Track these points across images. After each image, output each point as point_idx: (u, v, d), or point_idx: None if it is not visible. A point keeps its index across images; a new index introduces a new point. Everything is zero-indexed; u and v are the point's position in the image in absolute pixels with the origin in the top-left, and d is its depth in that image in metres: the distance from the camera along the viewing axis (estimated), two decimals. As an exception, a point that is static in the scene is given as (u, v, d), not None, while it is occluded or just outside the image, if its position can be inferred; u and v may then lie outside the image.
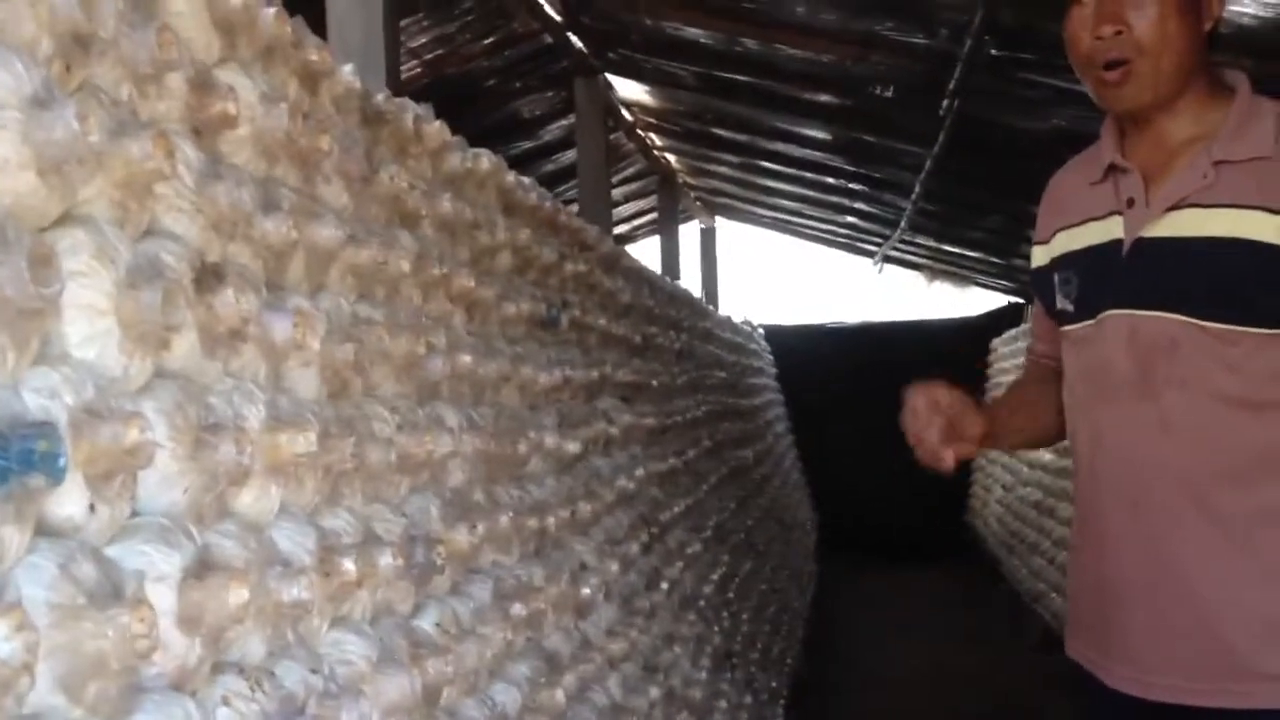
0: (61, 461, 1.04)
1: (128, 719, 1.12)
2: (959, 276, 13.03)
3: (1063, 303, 2.09)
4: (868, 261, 13.62)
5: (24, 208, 1.12)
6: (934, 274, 13.10)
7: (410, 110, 2.23)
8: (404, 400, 1.96)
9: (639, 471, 3.77)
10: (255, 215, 1.50)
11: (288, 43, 1.70)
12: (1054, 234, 2.13)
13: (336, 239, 1.71)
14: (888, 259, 13.04)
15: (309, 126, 1.68)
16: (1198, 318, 1.89)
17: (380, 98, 2.08)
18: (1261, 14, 4.01)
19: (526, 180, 2.99)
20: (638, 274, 4.76)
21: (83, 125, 1.12)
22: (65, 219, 1.18)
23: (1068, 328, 2.10)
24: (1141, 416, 1.95)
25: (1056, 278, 2.11)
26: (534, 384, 2.74)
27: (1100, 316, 2.00)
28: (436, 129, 2.33)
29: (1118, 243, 1.99)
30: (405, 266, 2.01)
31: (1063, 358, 2.14)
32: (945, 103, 6.33)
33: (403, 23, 5.48)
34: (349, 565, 1.54)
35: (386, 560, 1.65)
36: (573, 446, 2.98)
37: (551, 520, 2.63)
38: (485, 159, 2.61)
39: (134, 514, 1.22)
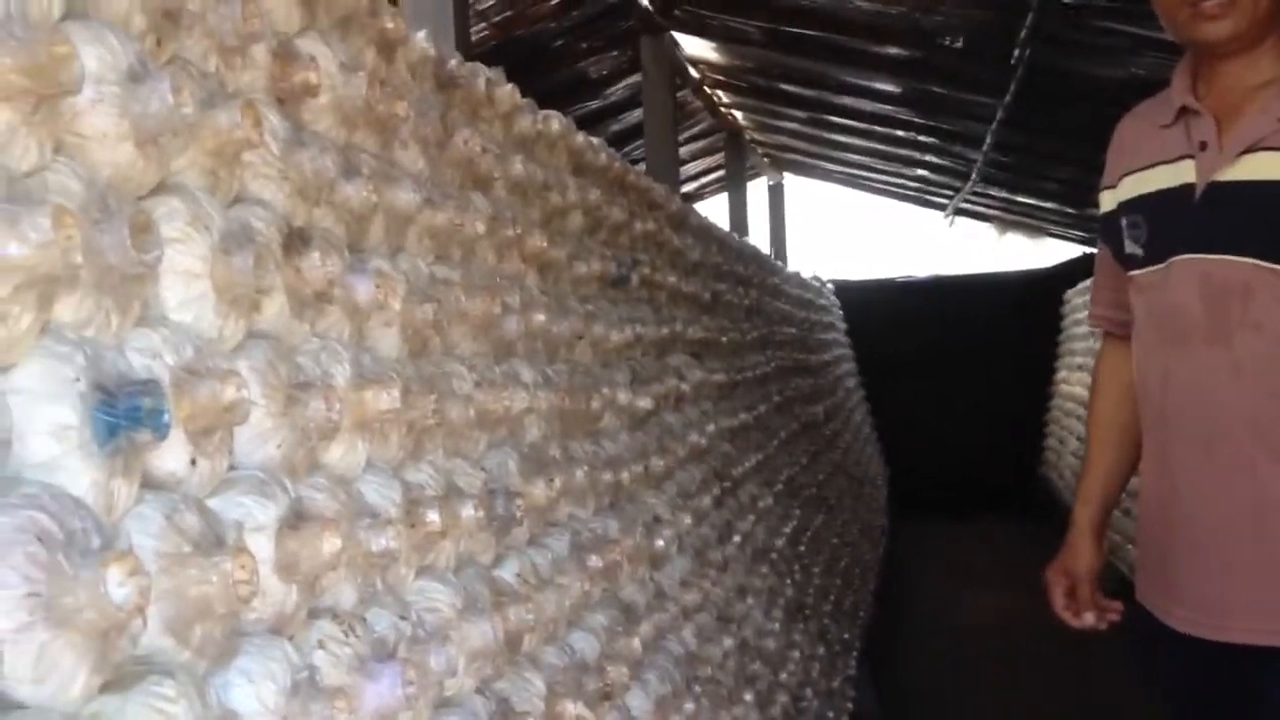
0: (165, 418, 1.08)
1: (231, 660, 1.17)
2: (1031, 228, 12.87)
3: (1131, 247, 2.08)
4: (938, 215, 13.49)
5: (123, 178, 1.16)
6: (1006, 225, 12.94)
7: (482, 75, 2.26)
8: (481, 358, 2.00)
9: (710, 427, 3.81)
10: (337, 181, 1.54)
11: (364, 12, 1.74)
12: (1121, 178, 2.12)
13: (414, 202, 1.75)
14: (959, 211, 12.90)
15: (386, 93, 1.72)
16: (1272, 261, 1.88)
17: (453, 63, 2.11)
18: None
19: (596, 141, 3.02)
20: (706, 231, 4.78)
21: (176, 97, 1.15)
22: (161, 188, 1.22)
23: (1135, 273, 2.08)
24: (1214, 361, 1.95)
25: (1124, 222, 2.09)
26: (606, 342, 2.78)
27: (1170, 261, 1.99)
28: (508, 92, 2.36)
29: (1189, 187, 1.97)
30: (480, 228, 2.05)
31: (1131, 303, 2.13)
32: (1016, 52, 6.26)
33: (470, -15, 5.52)
34: (433, 517, 1.58)
35: (468, 512, 1.70)
36: (645, 403, 3.02)
37: (625, 474, 2.67)
38: (555, 121, 2.64)
39: (231, 468, 1.26)
